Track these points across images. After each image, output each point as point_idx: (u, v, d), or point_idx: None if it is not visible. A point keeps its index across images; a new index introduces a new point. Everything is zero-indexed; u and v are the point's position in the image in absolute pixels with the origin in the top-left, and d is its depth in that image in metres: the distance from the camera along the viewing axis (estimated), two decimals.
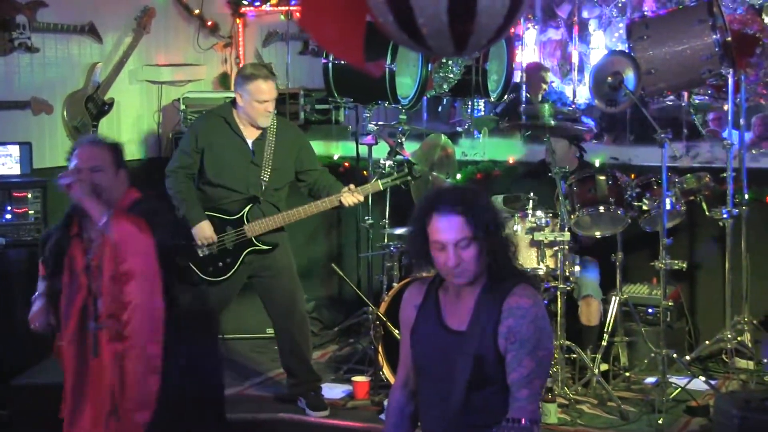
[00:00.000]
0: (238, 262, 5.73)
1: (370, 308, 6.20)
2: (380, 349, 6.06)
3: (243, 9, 8.25)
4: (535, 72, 7.73)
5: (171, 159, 5.94)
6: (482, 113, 7.37)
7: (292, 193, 6.04)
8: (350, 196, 5.76)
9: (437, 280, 3.50)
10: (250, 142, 5.78)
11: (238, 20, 8.30)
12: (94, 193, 3.97)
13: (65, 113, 7.20)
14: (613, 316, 6.33)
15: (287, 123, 6.13)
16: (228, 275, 5.73)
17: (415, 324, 3.49)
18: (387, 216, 6.61)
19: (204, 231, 5.65)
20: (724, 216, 6.16)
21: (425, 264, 3.43)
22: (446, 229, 3.28)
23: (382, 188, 6.01)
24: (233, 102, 5.81)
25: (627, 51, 6.13)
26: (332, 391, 6.21)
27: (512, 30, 7.32)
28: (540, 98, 7.68)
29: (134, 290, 3.92)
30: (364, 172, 6.73)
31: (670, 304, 6.17)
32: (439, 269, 3.38)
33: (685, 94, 6.70)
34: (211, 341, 4.89)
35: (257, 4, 8.17)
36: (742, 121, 6.25)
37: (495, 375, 3.31)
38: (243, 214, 5.71)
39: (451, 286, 3.43)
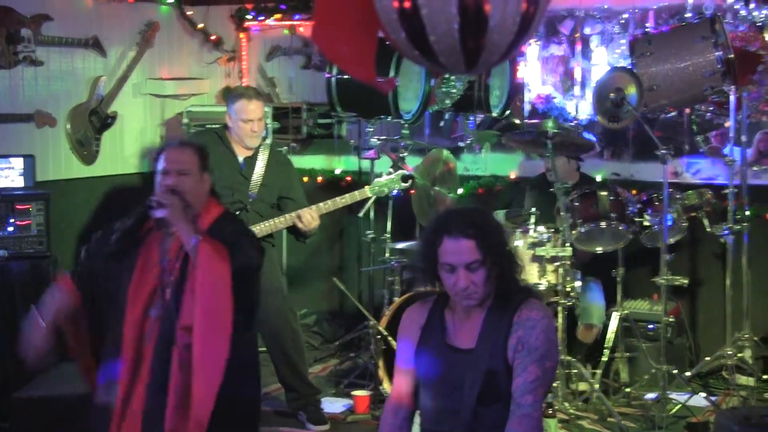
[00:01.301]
0: None
1: (371, 322, 6.19)
2: (381, 363, 6.05)
3: (247, 23, 8.24)
4: (516, 89, 7.72)
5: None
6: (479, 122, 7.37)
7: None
8: (308, 213, 5.67)
9: (442, 299, 3.49)
10: (241, 158, 5.82)
11: (242, 34, 8.30)
12: (185, 216, 3.97)
13: (69, 126, 7.19)
14: (614, 331, 6.34)
15: (280, 150, 6.19)
16: None
17: (419, 344, 3.46)
18: (389, 230, 6.60)
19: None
20: (725, 232, 6.14)
21: (433, 284, 3.43)
22: (457, 252, 3.28)
23: (369, 195, 5.97)
24: (226, 126, 5.84)
25: (629, 67, 6.12)
26: (333, 405, 6.19)
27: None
28: (523, 114, 7.67)
29: (205, 317, 3.91)
30: (366, 186, 6.72)
31: (671, 320, 6.17)
32: (448, 290, 3.37)
33: (687, 110, 6.69)
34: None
35: (261, 18, 8.17)
36: (743, 138, 6.26)
37: (506, 389, 3.29)
38: None
39: (459, 307, 3.42)
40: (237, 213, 5.57)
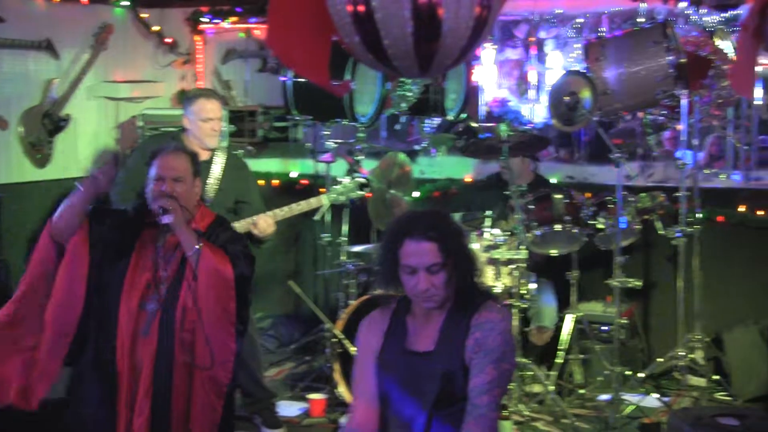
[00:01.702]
0: None
1: (327, 326, 6.19)
2: (337, 366, 6.05)
3: (202, 26, 8.21)
4: (471, 92, 7.76)
5: (117, 174, 5.87)
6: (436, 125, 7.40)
7: None
8: (263, 220, 5.64)
9: (403, 304, 3.49)
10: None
11: (197, 37, 8.26)
12: (186, 221, 4.07)
13: (21, 129, 7.11)
14: (568, 333, 6.39)
15: (236, 154, 6.10)
16: None
17: (381, 350, 3.45)
18: (345, 234, 6.60)
19: None
20: (678, 235, 6.20)
21: (393, 286, 3.42)
22: (418, 253, 3.29)
23: (325, 203, 5.96)
24: (184, 128, 5.77)
25: (583, 71, 6.17)
26: (288, 408, 6.17)
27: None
28: (480, 117, 7.71)
29: (210, 323, 4.02)
30: (322, 190, 6.71)
31: (624, 321, 6.22)
32: (408, 292, 3.37)
33: (640, 114, 6.75)
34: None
35: (216, 21, 8.14)
36: (695, 142, 6.34)
37: (463, 391, 3.30)
38: None
39: (419, 310, 3.42)
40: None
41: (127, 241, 4.14)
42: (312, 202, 5.86)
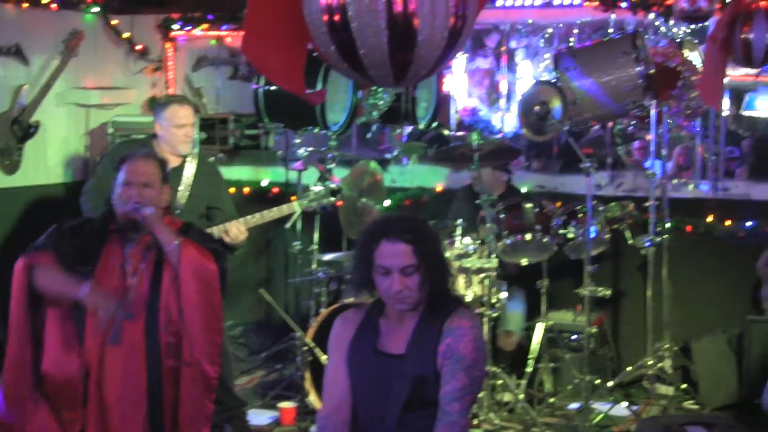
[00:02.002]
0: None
1: (298, 334, 6.17)
2: (307, 375, 6.03)
3: (173, 33, 8.19)
4: (444, 102, 7.80)
5: (87, 182, 5.86)
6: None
7: None
8: (235, 227, 5.61)
9: (377, 307, 3.50)
10: (169, 169, 5.68)
11: (168, 44, 8.24)
12: (163, 219, 4.08)
13: None
14: (539, 342, 6.41)
15: (208, 160, 6.08)
16: None
17: (350, 350, 3.47)
18: (316, 242, 6.59)
19: None
20: (647, 244, 6.25)
21: (366, 288, 3.45)
22: (393, 255, 3.32)
23: (297, 209, 5.95)
24: (154, 135, 5.74)
25: (554, 81, 6.21)
26: (259, 417, 6.16)
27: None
28: (453, 125, 7.74)
29: (197, 318, 4.06)
30: (293, 198, 6.70)
31: (593, 330, 6.26)
32: (381, 294, 3.40)
33: (610, 124, 6.81)
34: None
35: (188, 28, 8.12)
36: (664, 152, 6.40)
37: (434, 396, 3.32)
38: None
39: (392, 313, 3.44)
40: None
41: (92, 249, 4.12)
42: (284, 209, 5.86)
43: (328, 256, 6.55)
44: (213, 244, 4.30)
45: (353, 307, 3.62)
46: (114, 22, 8.04)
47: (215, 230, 5.56)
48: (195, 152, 5.86)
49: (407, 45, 2.24)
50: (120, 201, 4.11)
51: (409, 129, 7.51)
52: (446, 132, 7.41)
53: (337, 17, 2.24)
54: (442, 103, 7.25)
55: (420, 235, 3.37)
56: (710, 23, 6.19)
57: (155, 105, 5.91)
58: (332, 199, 6.04)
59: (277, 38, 2.50)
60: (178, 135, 5.64)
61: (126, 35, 8.10)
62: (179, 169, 5.70)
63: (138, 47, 8.18)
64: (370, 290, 3.45)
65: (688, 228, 6.86)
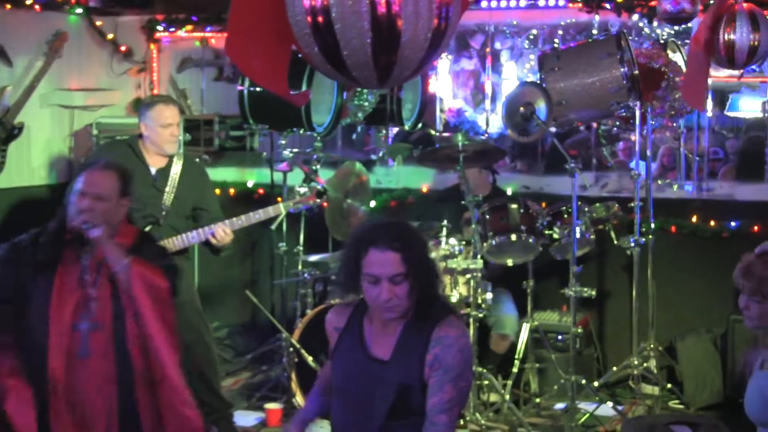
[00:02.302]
0: None
1: (284, 335, 6.18)
2: (293, 376, 6.04)
3: (157, 34, 8.18)
4: (430, 103, 7.82)
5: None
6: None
7: None
8: (220, 229, 5.59)
9: (362, 306, 3.49)
10: (153, 169, 5.67)
11: (152, 46, 8.23)
12: (112, 237, 4.03)
13: None
14: (524, 342, 6.43)
15: (194, 160, 6.06)
16: None
17: (336, 347, 3.49)
18: (301, 243, 6.60)
19: None
20: (632, 245, 6.28)
21: (354, 293, 3.43)
22: (382, 263, 3.29)
23: (283, 212, 5.95)
24: (140, 134, 5.70)
25: (539, 82, 6.23)
26: (245, 418, 6.16)
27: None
28: (440, 126, 7.76)
29: (155, 332, 4.03)
30: (279, 199, 6.71)
31: (579, 331, 6.27)
32: (369, 302, 3.38)
33: (595, 125, 6.84)
34: None
35: (172, 30, 8.11)
36: (648, 153, 6.43)
37: (419, 405, 3.31)
38: None
39: (377, 316, 3.43)
40: (149, 227, 5.52)
41: (49, 256, 4.07)
42: (269, 211, 5.85)
43: (313, 258, 6.55)
44: (165, 260, 4.23)
45: (341, 304, 3.63)
46: (98, 23, 8.03)
47: (201, 233, 5.55)
48: (181, 153, 5.85)
49: (391, 46, 2.25)
50: (72, 211, 4.05)
51: (395, 130, 7.52)
52: (432, 132, 7.42)
53: (320, 19, 2.24)
54: (427, 103, 7.27)
55: (408, 242, 3.34)
56: (694, 24, 6.22)
57: (140, 105, 5.87)
58: (318, 200, 6.04)
59: (261, 40, 2.51)
60: (164, 135, 5.62)
61: (110, 36, 8.09)
62: (165, 170, 5.68)
63: (122, 48, 8.17)
64: (358, 294, 3.43)
65: (673, 228, 6.90)
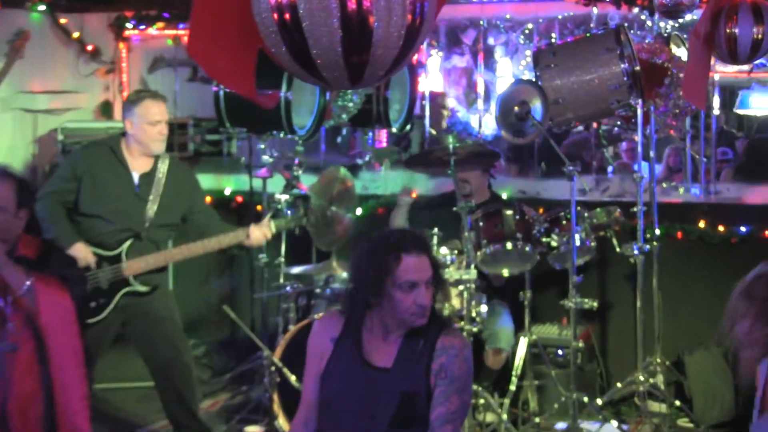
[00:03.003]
0: (112, 304, 5.49)
1: (265, 353, 6.19)
2: (275, 397, 6.05)
3: (127, 33, 8.21)
4: (432, 100, 7.84)
5: (43, 186, 5.82)
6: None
7: (181, 233, 5.91)
8: (258, 231, 5.70)
9: (358, 317, 3.59)
10: (136, 175, 5.61)
11: (121, 45, 8.26)
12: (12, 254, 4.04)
13: None
14: (522, 358, 6.45)
15: (180, 163, 6.02)
16: (100, 317, 5.47)
17: (331, 358, 3.59)
18: (283, 254, 6.62)
19: (81, 251, 5.38)
20: (635, 252, 6.29)
21: (373, 305, 3.53)
22: (419, 269, 3.48)
23: (274, 232, 5.98)
24: (124, 133, 5.66)
25: (534, 80, 6.26)
26: None
27: (415, 58, 7.45)
28: (444, 126, 7.80)
29: (60, 364, 4.06)
30: (258, 207, 6.73)
31: (580, 345, 6.30)
32: (402, 311, 3.49)
33: (594, 124, 6.86)
34: None
35: (142, 27, 8.14)
36: (652, 154, 6.45)
37: (423, 414, 3.46)
38: (121, 250, 5.51)
39: (377, 325, 3.56)
40: (127, 243, 5.51)
41: None
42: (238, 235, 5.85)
43: (296, 269, 6.57)
44: (69, 270, 4.29)
45: (332, 312, 3.72)
46: (62, 21, 8.05)
47: (231, 236, 5.66)
48: (167, 154, 5.78)
49: (362, 45, 2.29)
50: None
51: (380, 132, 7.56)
52: (434, 132, 7.45)
53: (287, 16, 2.28)
54: (431, 102, 7.29)
55: (430, 248, 3.59)
56: (699, 17, 6.25)
57: (125, 101, 5.81)
58: (304, 221, 6.07)
59: (225, 39, 2.54)
60: (151, 133, 5.57)
61: (76, 35, 8.12)
62: (150, 175, 5.63)
63: (89, 48, 8.20)
64: (379, 304, 3.53)
65: (679, 234, 6.92)
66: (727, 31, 5.32)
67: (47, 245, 4.35)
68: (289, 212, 6.13)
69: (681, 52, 6.46)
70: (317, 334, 3.68)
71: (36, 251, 4.19)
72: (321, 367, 3.61)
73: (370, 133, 7.35)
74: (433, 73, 7.56)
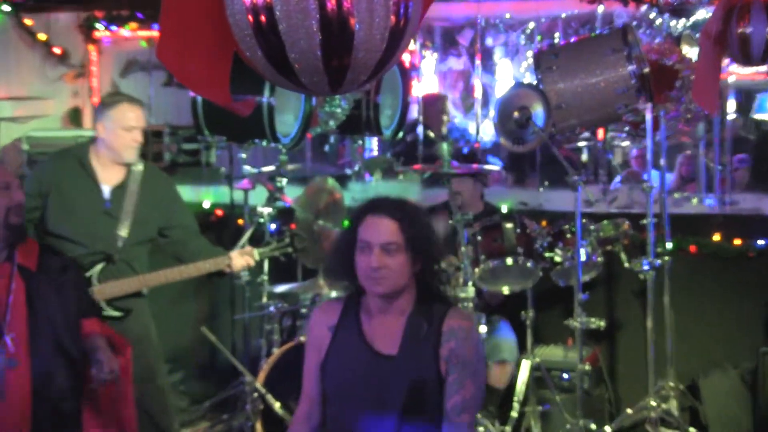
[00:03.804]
0: None
1: (247, 378, 6.21)
2: (259, 425, 6.06)
3: (97, 34, 8.22)
4: (432, 104, 7.87)
5: None
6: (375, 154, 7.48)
7: (155, 252, 5.90)
8: (241, 258, 5.71)
9: (355, 299, 3.68)
10: (107, 188, 5.58)
11: (91, 47, 8.28)
12: None
13: None
14: (525, 382, 6.45)
15: (156, 170, 5.99)
16: None
17: (331, 347, 3.65)
18: (266, 271, 6.64)
19: None
20: (645, 268, 6.31)
21: (345, 273, 3.63)
22: (376, 229, 3.54)
23: (258, 259, 5.99)
24: (93, 139, 5.63)
25: (535, 83, 6.28)
26: None
27: (408, 60, 7.49)
28: (445, 131, 7.83)
29: None
30: (240, 221, 6.75)
31: (587, 368, 6.28)
32: (360, 275, 3.57)
33: (601, 131, 6.89)
34: None
35: (113, 28, 8.16)
36: (663, 161, 6.47)
37: (434, 401, 3.52)
38: (92, 274, 5.45)
39: (374, 307, 3.62)
40: (99, 266, 5.46)
41: None
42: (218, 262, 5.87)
43: (280, 288, 6.57)
44: (70, 273, 4.46)
45: (330, 300, 3.79)
46: (28, 21, 8.06)
47: (212, 263, 5.64)
48: (140, 163, 5.75)
49: (343, 48, 2.31)
50: None
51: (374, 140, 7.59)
52: (431, 135, 7.47)
53: (263, 18, 2.30)
54: (429, 106, 7.31)
55: (409, 215, 3.58)
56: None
57: (98, 105, 5.76)
58: (290, 249, 6.09)
59: (197, 41, 2.56)
60: (126, 139, 5.54)
61: (42, 37, 8.13)
62: (121, 188, 5.60)
63: (56, 50, 8.21)
64: (349, 277, 3.62)
65: (692, 248, 6.94)
66: (739, 31, 5.35)
67: (45, 249, 4.44)
68: (273, 226, 6.14)
69: (693, 53, 6.49)
70: (315, 325, 3.75)
71: (36, 260, 4.26)
72: (321, 357, 3.68)
73: (359, 141, 7.37)
74: (428, 76, 7.58)
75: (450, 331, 3.56)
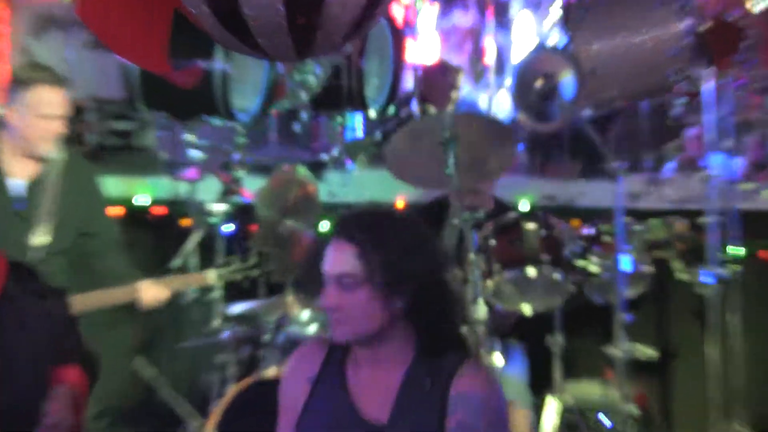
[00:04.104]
0: None
1: (194, 424, 6.24)
2: None
3: None
4: (439, 75, 7.88)
5: None
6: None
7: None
8: (152, 289, 5.77)
9: (342, 347, 3.62)
10: (21, 184, 5.66)
11: None
12: None
13: None
14: (554, 428, 6.48)
15: (81, 160, 6.05)
16: None
17: (308, 404, 3.61)
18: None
19: None
20: (707, 280, 6.35)
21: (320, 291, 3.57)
22: (331, 257, 3.48)
23: (214, 282, 6.05)
24: (1, 122, 5.66)
25: (563, 44, 6.31)
26: None
27: (401, 16, 7.52)
28: (451, 109, 7.85)
29: None
30: (184, 221, 6.76)
31: (633, 409, 6.32)
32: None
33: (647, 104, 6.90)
34: None
35: None
36: (728, 144, 6.49)
37: None
38: None
39: (361, 356, 3.56)
40: None
41: None
42: (188, 280, 5.92)
43: (237, 308, 6.59)
44: (49, 300, 4.49)
45: (313, 341, 3.78)
46: None
47: (119, 293, 5.68)
48: (61, 158, 5.78)
49: (312, 2, 2.28)
50: None
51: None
52: (431, 111, 7.47)
53: None
54: (431, 75, 7.31)
55: (377, 234, 3.47)
56: None
57: (12, 80, 5.75)
58: (256, 272, 6.13)
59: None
60: (41, 129, 5.59)
61: None
62: (38, 183, 5.65)
63: None
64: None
65: (765, 254, 6.97)
66: None
67: (16, 270, 4.45)
68: (228, 228, 6.17)
69: (763, 5, 6.49)
70: (291, 376, 3.70)
71: (4, 281, 4.32)
72: (296, 417, 3.62)
73: (339, 119, 7.39)
74: (427, 35, 7.61)
75: (460, 397, 3.44)
